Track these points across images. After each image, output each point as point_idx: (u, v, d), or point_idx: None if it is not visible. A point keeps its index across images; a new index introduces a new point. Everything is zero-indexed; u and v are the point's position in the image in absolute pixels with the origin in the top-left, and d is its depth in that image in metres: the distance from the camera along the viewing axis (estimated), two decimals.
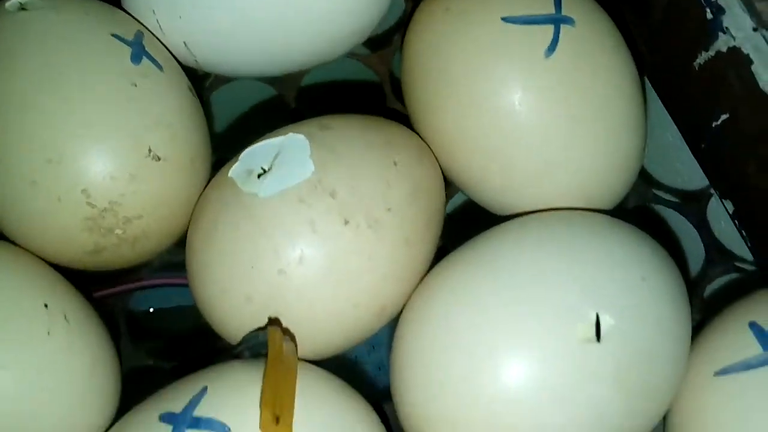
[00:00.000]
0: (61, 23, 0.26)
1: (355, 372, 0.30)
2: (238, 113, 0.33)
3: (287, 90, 0.32)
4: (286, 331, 0.23)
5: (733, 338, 0.24)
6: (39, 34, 0.25)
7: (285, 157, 0.25)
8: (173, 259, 0.29)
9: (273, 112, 0.33)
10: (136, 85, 0.25)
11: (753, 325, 0.24)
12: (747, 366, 0.23)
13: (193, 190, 0.27)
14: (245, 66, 0.29)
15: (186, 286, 0.27)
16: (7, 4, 0.26)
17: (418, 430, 0.25)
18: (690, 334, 0.25)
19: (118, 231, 0.26)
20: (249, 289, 0.24)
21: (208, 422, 0.22)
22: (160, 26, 0.28)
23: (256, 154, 0.26)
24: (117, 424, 0.24)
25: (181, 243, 0.27)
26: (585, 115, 0.27)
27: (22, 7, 0.26)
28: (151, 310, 0.30)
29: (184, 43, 0.28)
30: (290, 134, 0.26)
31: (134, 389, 0.26)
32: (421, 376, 0.25)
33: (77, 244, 0.25)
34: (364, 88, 0.33)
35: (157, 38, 0.28)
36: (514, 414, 0.23)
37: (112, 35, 0.26)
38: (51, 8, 0.26)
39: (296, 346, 0.24)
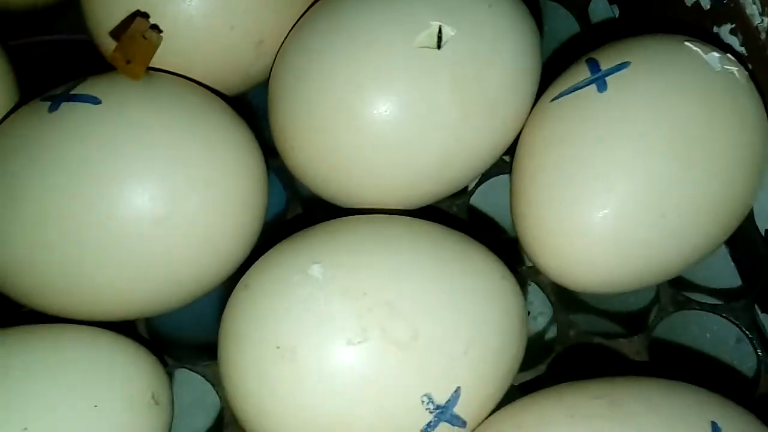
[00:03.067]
0: None
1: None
2: None
3: None
4: (156, 27, 0.25)
5: (571, 73, 0.27)
6: None
7: None
8: None
9: None
10: None
11: (589, 60, 0.27)
12: (575, 89, 0.26)
13: None
14: None
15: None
16: None
17: (298, 164, 0.28)
18: (536, 72, 0.28)
19: None
20: None
21: (82, 97, 0.24)
22: None
23: None
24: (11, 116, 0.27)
25: None
26: None
27: None
28: None
29: None
30: None
31: None
32: (296, 107, 0.27)
33: None
34: None
35: None
36: (382, 138, 0.26)
37: None
38: None
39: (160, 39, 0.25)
